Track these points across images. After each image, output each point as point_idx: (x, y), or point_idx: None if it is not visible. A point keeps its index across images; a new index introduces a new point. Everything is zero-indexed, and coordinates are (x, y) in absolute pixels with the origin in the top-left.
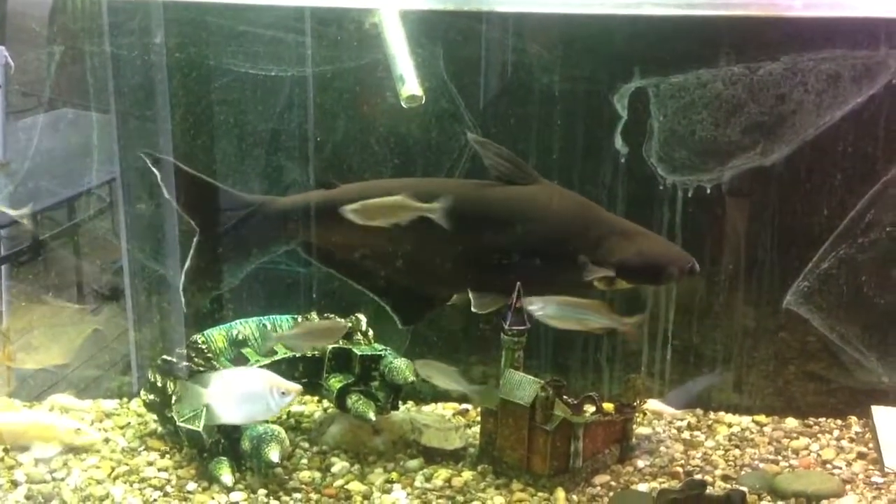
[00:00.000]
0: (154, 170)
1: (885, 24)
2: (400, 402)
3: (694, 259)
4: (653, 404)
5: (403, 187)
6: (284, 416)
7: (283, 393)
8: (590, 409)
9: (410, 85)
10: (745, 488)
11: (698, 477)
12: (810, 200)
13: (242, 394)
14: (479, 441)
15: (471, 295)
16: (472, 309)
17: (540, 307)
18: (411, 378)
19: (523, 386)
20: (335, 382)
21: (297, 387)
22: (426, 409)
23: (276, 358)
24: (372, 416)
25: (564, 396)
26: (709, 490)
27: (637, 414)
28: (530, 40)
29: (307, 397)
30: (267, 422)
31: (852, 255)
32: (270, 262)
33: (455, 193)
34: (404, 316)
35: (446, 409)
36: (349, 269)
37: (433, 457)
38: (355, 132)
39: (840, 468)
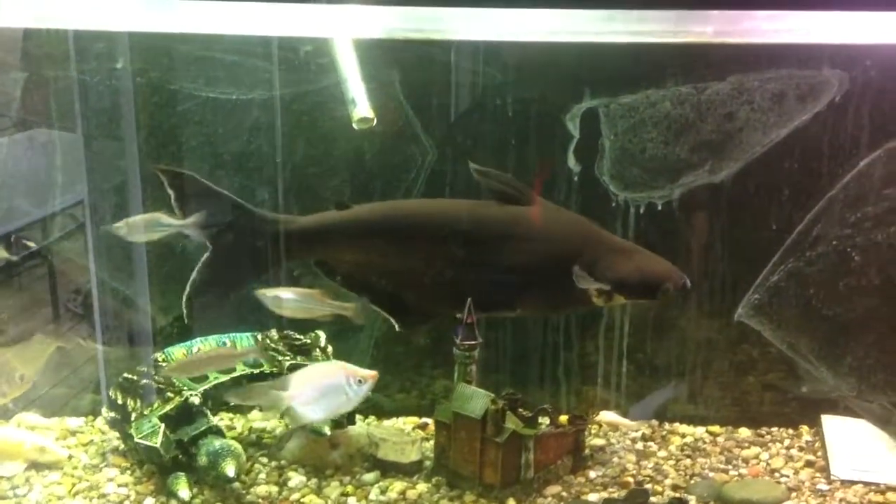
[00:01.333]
0: (170, 189)
1: (830, 46)
2: (358, 417)
3: (686, 275)
4: (608, 416)
5: (409, 207)
6: (246, 432)
7: (359, 381)
8: (544, 421)
9: (361, 107)
10: (691, 497)
11: (647, 486)
12: (759, 216)
13: (321, 390)
14: (434, 454)
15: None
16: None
17: (272, 298)
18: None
19: (474, 399)
20: None
21: (373, 373)
22: (387, 423)
23: (235, 374)
24: (327, 430)
25: (520, 409)
26: (654, 499)
27: (589, 425)
28: (484, 63)
29: (270, 413)
30: (224, 437)
31: (800, 269)
32: None
33: (460, 213)
34: (405, 322)
35: (407, 423)
36: (360, 285)
37: (390, 470)
38: (315, 154)
39: (787, 476)
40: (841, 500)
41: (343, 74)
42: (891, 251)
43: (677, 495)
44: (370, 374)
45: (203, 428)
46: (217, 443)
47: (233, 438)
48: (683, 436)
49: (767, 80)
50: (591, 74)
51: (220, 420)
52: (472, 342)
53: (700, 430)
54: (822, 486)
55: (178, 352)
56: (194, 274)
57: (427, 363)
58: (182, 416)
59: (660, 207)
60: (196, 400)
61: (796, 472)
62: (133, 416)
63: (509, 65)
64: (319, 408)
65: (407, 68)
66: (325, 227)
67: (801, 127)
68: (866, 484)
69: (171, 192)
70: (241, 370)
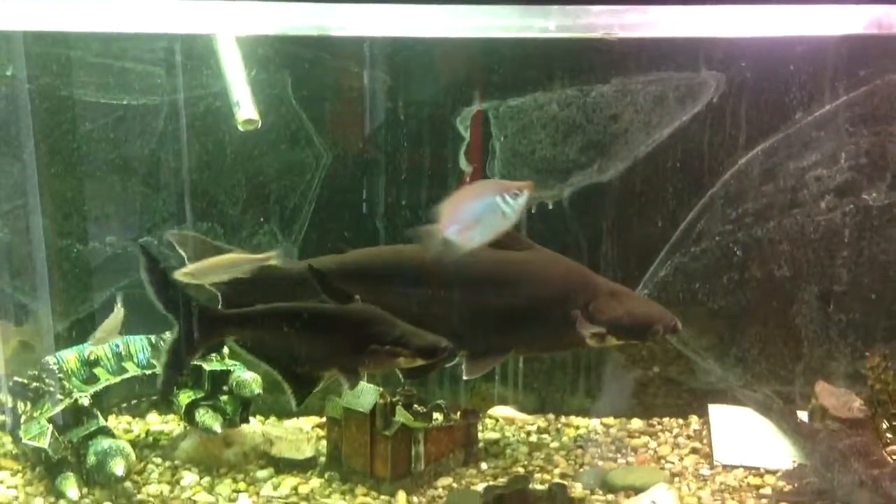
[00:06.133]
0: (180, 251)
1: (705, 47)
2: (251, 415)
3: (676, 318)
4: (505, 411)
5: (406, 252)
6: (143, 435)
7: (515, 194)
8: (439, 416)
9: (246, 110)
10: (577, 484)
11: (537, 475)
12: (646, 213)
13: (475, 212)
14: (327, 449)
15: (464, 361)
16: (465, 377)
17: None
18: (257, 391)
19: (364, 394)
20: (184, 398)
21: (528, 183)
22: (287, 423)
23: (127, 376)
24: (217, 428)
25: (415, 405)
26: (537, 486)
27: (483, 419)
28: (375, 68)
29: (169, 416)
30: (114, 437)
31: (686, 264)
32: (131, 286)
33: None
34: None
35: (308, 421)
36: None
37: (285, 467)
38: (209, 158)
39: (673, 463)
40: (721, 483)
41: (227, 77)
42: (770, 246)
43: (560, 482)
44: (526, 185)
45: (93, 429)
46: (106, 443)
47: (129, 441)
48: (577, 428)
49: (649, 83)
50: (481, 77)
51: (119, 424)
52: None
53: (595, 422)
54: (705, 470)
55: (70, 355)
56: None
57: None
58: (72, 418)
59: (551, 207)
60: (85, 401)
61: (681, 459)
62: (23, 418)
63: (400, 69)
64: (477, 231)
65: (298, 72)
66: (325, 270)
67: (683, 126)
68: (746, 468)
69: (184, 253)
70: (132, 371)
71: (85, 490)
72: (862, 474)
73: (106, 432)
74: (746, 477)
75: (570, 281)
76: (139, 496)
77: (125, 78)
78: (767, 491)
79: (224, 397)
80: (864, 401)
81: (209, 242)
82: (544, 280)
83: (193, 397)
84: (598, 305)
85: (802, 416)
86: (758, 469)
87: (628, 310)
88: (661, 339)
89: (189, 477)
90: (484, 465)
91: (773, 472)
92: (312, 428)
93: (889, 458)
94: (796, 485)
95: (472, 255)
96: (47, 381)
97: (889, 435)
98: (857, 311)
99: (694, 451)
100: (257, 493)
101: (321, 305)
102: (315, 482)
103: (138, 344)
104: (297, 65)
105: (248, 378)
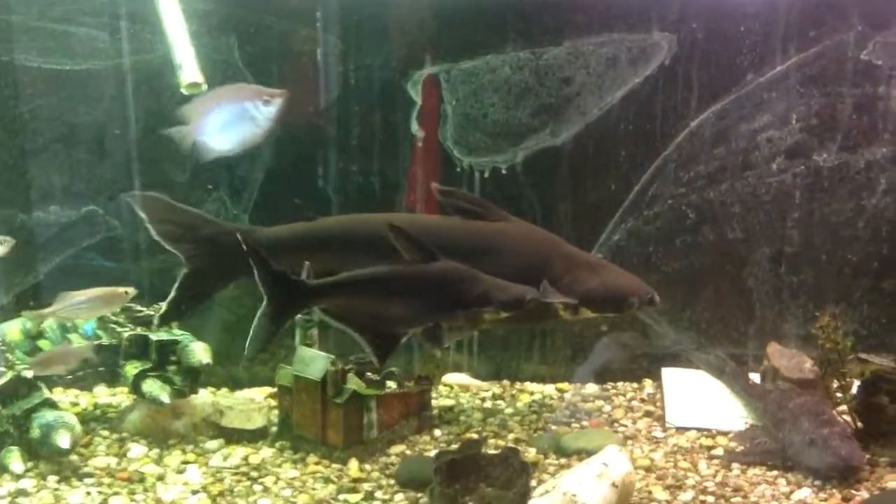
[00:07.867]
0: (140, 213)
1: (658, 8)
2: (207, 389)
3: (653, 291)
4: (459, 378)
5: (375, 220)
6: (90, 408)
7: (266, 100)
8: (391, 383)
9: (189, 72)
10: (531, 448)
11: (491, 441)
12: (599, 177)
13: (224, 116)
14: (278, 418)
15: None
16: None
17: None
18: (206, 360)
19: (314, 362)
20: (131, 369)
21: (281, 91)
22: (240, 393)
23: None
24: (166, 398)
25: (368, 373)
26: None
27: (437, 386)
28: (323, 31)
29: (117, 388)
30: (58, 409)
31: (639, 227)
32: (76, 257)
33: (430, 227)
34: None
35: (259, 392)
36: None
37: (235, 437)
38: (153, 124)
39: (626, 426)
40: (674, 445)
41: (170, 39)
42: (723, 208)
43: (513, 446)
44: (279, 92)
45: (36, 401)
46: (50, 415)
47: (75, 414)
48: (532, 394)
49: (601, 45)
50: (431, 41)
51: (65, 397)
52: None
53: (549, 388)
54: (658, 433)
55: (13, 328)
56: (173, 293)
57: (287, 336)
58: (15, 390)
59: (504, 171)
60: (29, 374)
61: (634, 422)
62: None
63: (350, 32)
64: (227, 137)
65: (244, 36)
66: (293, 238)
67: (636, 89)
68: (699, 430)
69: (144, 215)
70: (78, 343)
71: (30, 464)
72: (812, 433)
73: (50, 405)
74: (699, 438)
75: (544, 252)
76: (85, 469)
77: (67, 43)
78: (719, 451)
79: (172, 368)
80: (815, 361)
81: (168, 203)
82: (518, 251)
83: (140, 368)
84: (573, 277)
85: (755, 377)
86: (710, 430)
87: (603, 282)
88: (636, 311)
89: (137, 449)
90: (438, 432)
91: (725, 434)
92: (264, 398)
93: (838, 417)
94: (747, 445)
95: (442, 223)
96: None
97: (839, 394)
98: (808, 272)
99: (647, 414)
100: (206, 464)
101: (404, 267)
102: (266, 452)
103: None
104: (242, 29)
105: (197, 348)
